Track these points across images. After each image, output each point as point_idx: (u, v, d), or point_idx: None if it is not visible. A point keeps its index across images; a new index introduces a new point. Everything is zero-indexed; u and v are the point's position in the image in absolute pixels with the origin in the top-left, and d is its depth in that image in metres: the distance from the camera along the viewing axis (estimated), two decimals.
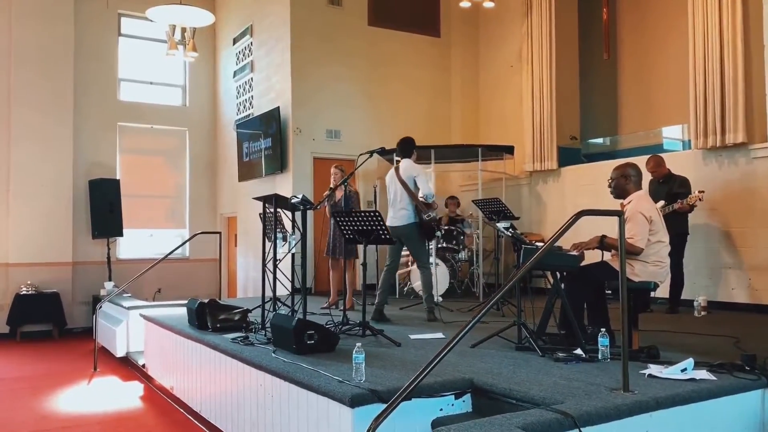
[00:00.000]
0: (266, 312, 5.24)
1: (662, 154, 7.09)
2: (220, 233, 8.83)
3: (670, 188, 6.53)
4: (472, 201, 7.48)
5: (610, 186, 4.55)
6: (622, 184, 4.46)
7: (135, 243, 10.94)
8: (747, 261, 6.80)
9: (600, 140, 9.51)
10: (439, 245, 8.46)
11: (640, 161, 7.15)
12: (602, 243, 4.30)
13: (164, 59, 10.00)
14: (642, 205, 4.25)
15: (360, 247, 5.24)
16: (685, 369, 3.29)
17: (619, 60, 9.26)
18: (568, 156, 9.08)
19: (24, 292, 9.23)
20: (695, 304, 6.52)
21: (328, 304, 7.01)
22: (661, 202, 6.44)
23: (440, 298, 7.83)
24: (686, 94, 7.29)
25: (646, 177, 6.79)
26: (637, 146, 8.40)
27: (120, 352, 7.19)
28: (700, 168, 7.15)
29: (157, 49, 10.87)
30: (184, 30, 8.48)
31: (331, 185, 6.64)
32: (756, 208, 6.71)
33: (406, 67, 10.25)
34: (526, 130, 9.31)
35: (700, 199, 6.23)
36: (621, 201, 4.49)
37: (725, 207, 6.97)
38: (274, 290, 5.48)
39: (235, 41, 10.95)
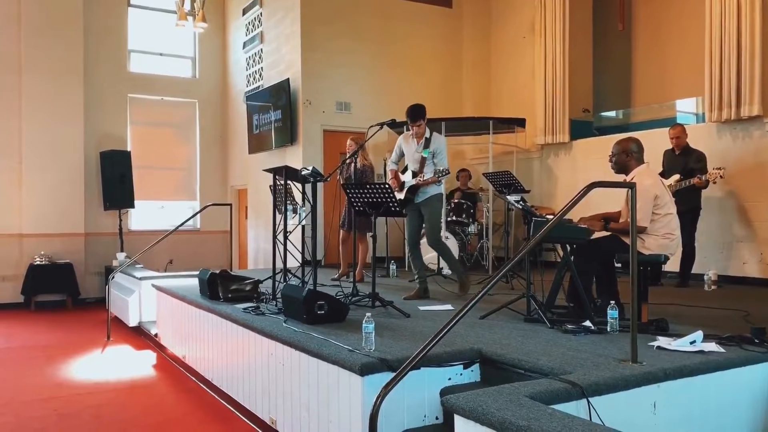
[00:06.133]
0: (277, 283, 5.28)
1: None
2: (230, 205, 8.86)
3: (686, 162, 6.47)
4: (483, 174, 7.45)
5: (611, 161, 4.48)
6: (624, 160, 4.38)
7: (146, 214, 11.01)
8: (759, 235, 6.76)
9: (612, 113, 9.40)
10: (449, 218, 8.45)
11: (653, 134, 7.14)
12: (606, 227, 4.28)
13: (174, 30, 9.95)
14: (644, 182, 4.17)
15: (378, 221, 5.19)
16: (693, 341, 3.29)
17: (633, 31, 9.11)
18: (580, 129, 9.00)
19: (38, 263, 9.34)
20: (705, 278, 6.50)
21: (338, 275, 7.05)
22: (676, 176, 6.39)
23: (449, 272, 7.84)
24: (701, 67, 7.18)
25: (665, 145, 6.73)
26: (651, 119, 8.31)
27: (132, 322, 7.30)
28: (714, 141, 7.07)
29: (167, 20, 10.79)
30: (193, 0, 8.43)
31: (347, 158, 6.63)
32: None
33: (417, 38, 10.13)
34: (538, 102, 9.22)
35: (721, 176, 6.17)
36: (623, 177, 4.43)
37: (739, 180, 6.91)
38: (284, 262, 5.51)
39: (244, 12, 10.84)
